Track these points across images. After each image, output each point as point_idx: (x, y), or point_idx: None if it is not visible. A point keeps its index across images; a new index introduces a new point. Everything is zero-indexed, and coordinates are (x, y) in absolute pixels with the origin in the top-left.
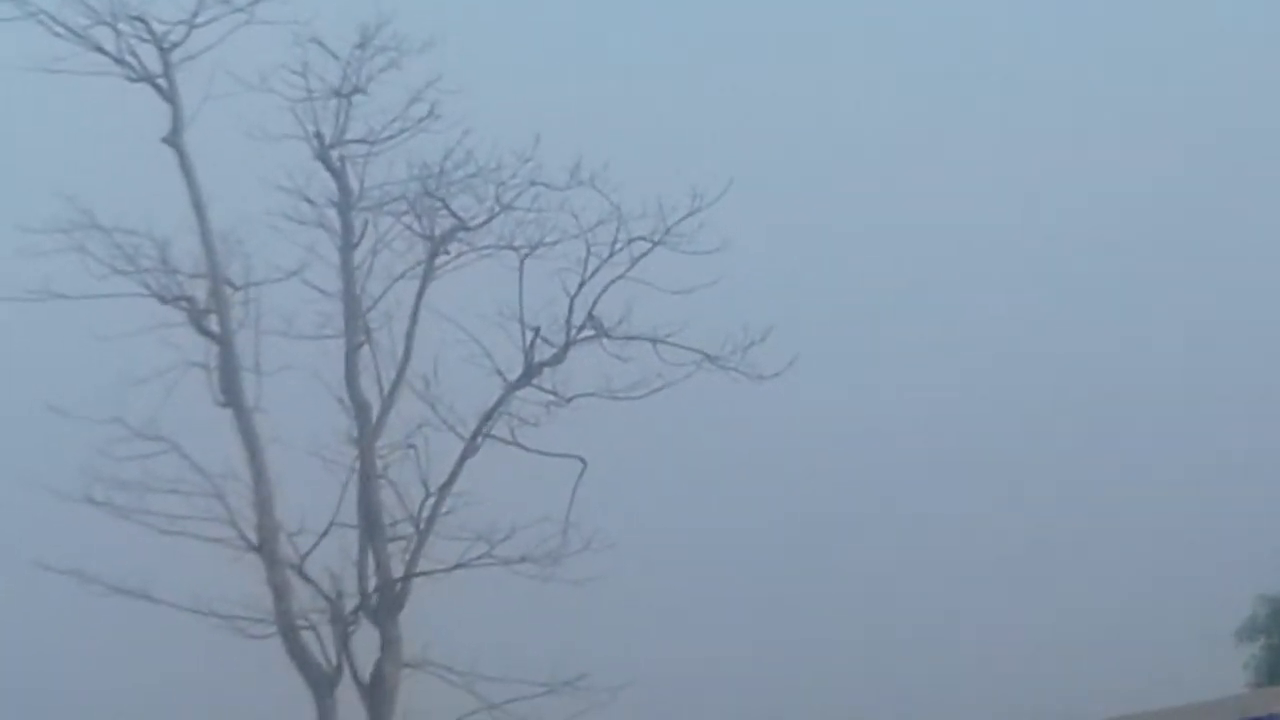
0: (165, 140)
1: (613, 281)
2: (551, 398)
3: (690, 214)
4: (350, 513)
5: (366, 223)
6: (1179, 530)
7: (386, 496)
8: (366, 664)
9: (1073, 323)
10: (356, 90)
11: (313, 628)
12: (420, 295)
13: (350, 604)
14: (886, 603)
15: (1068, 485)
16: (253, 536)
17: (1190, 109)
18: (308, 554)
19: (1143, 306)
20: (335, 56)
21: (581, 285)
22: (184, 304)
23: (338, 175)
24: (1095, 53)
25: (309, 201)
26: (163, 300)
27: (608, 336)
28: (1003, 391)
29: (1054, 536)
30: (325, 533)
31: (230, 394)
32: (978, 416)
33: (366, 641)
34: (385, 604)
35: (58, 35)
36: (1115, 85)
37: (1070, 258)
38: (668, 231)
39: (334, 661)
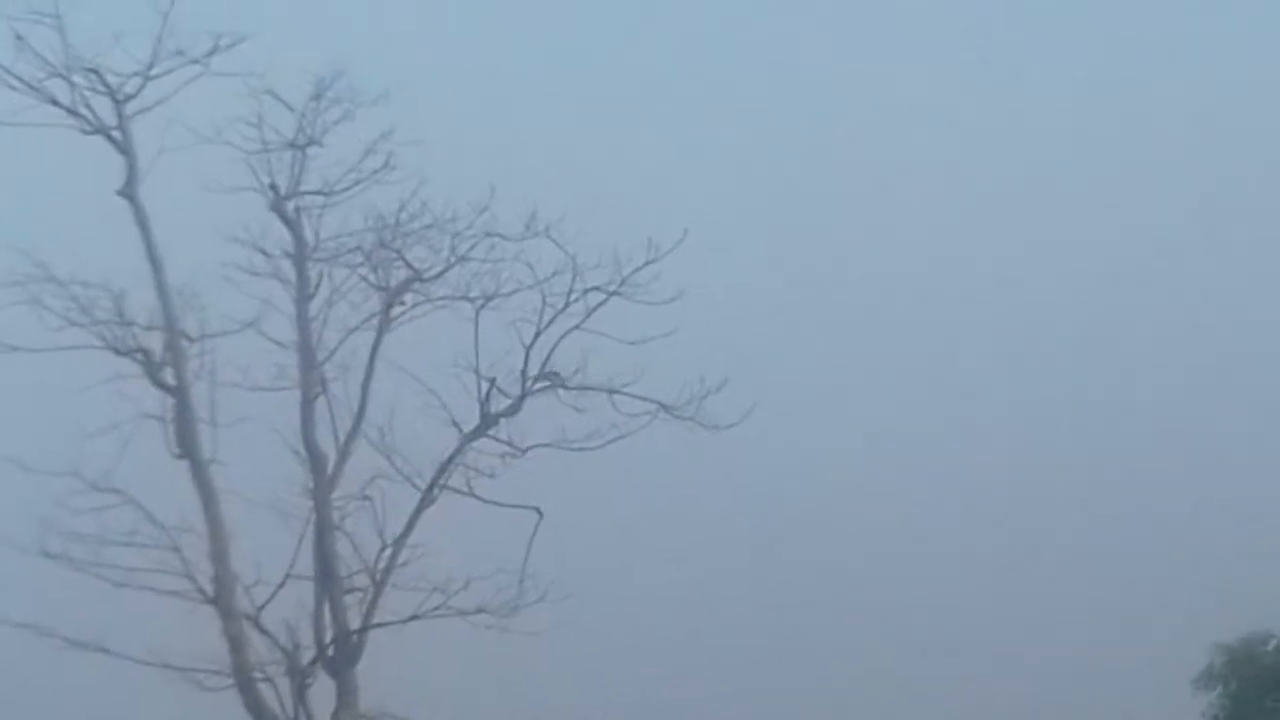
0: (120, 193)
1: (568, 332)
2: (507, 449)
3: (646, 264)
4: (306, 564)
5: (322, 274)
6: (1137, 578)
7: (343, 548)
8: (323, 716)
9: (1037, 366)
10: (311, 142)
11: (269, 679)
12: (376, 346)
13: (307, 655)
14: (843, 649)
15: (1026, 532)
16: (209, 588)
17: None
18: (264, 606)
19: (1099, 357)
20: (290, 109)
21: (537, 336)
22: (140, 356)
23: (293, 227)
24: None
25: (264, 253)
26: (118, 352)
27: (564, 387)
28: (961, 437)
29: (1013, 584)
30: (281, 584)
31: (186, 446)
32: (932, 463)
33: (323, 693)
34: (342, 655)
35: (12, 88)
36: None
37: (1038, 299)
38: (623, 282)
39: (291, 713)
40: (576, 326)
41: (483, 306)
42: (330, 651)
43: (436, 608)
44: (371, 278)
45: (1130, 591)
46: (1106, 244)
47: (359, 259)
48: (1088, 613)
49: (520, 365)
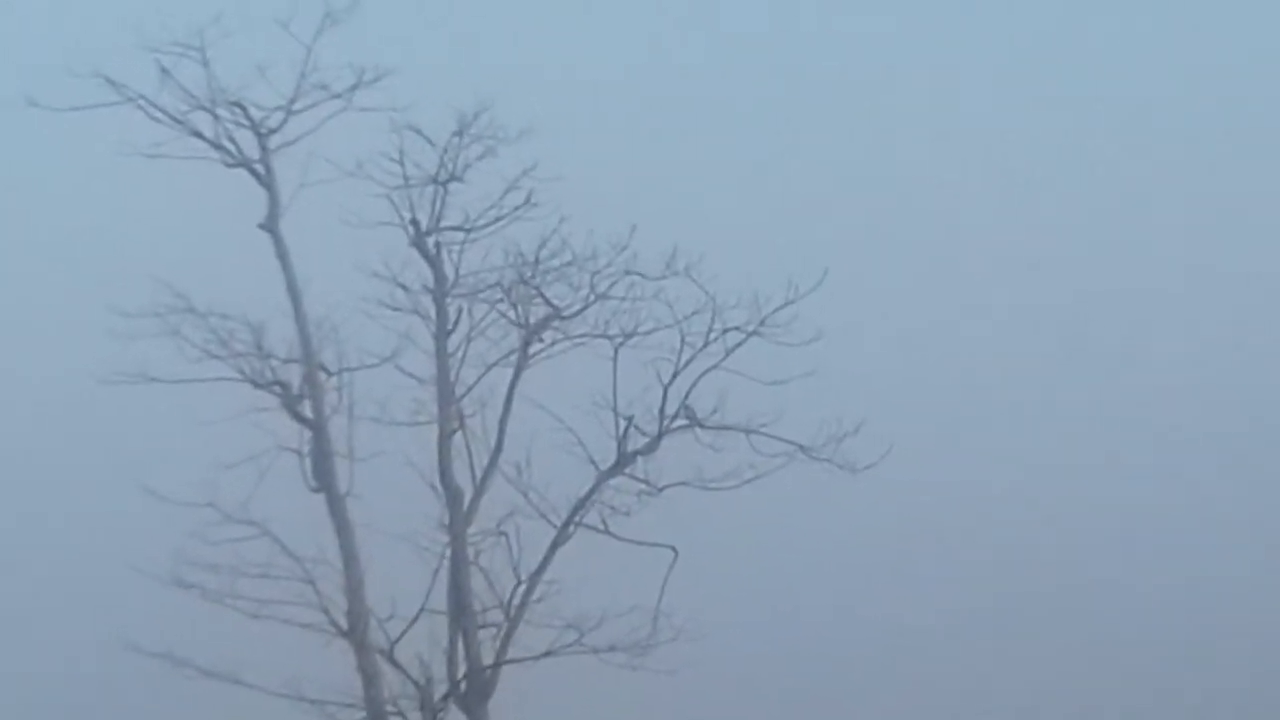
0: (261, 226)
1: (706, 371)
2: (644, 487)
3: (785, 305)
4: (441, 599)
5: (461, 310)
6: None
7: (477, 583)
8: None
9: (1202, 402)
10: (453, 178)
11: (402, 714)
12: (514, 383)
13: (439, 690)
14: (981, 692)
15: (1194, 579)
16: (343, 622)
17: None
18: (398, 640)
19: None
20: (432, 144)
21: (675, 375)
22: (278, 389)
23: (433, 262)
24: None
25: (404, 288)
26: (256, 385)
27: (701, 426)
28: (1111, 478)
29: (1178, 634)
30: (415, 619)
31: (322, 479)
32: (1074, 505)
33: None
34: (474, 691)
35: (156, 120)
36: None
37: (1199, 331)
38: (762, 322)
39: None
40: (715, 366)
41: (621, 345)
42: (463, 687)
43: (570, 644)
44: (511, 314)
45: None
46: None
47: (498, 295)
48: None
49: (658, 404)
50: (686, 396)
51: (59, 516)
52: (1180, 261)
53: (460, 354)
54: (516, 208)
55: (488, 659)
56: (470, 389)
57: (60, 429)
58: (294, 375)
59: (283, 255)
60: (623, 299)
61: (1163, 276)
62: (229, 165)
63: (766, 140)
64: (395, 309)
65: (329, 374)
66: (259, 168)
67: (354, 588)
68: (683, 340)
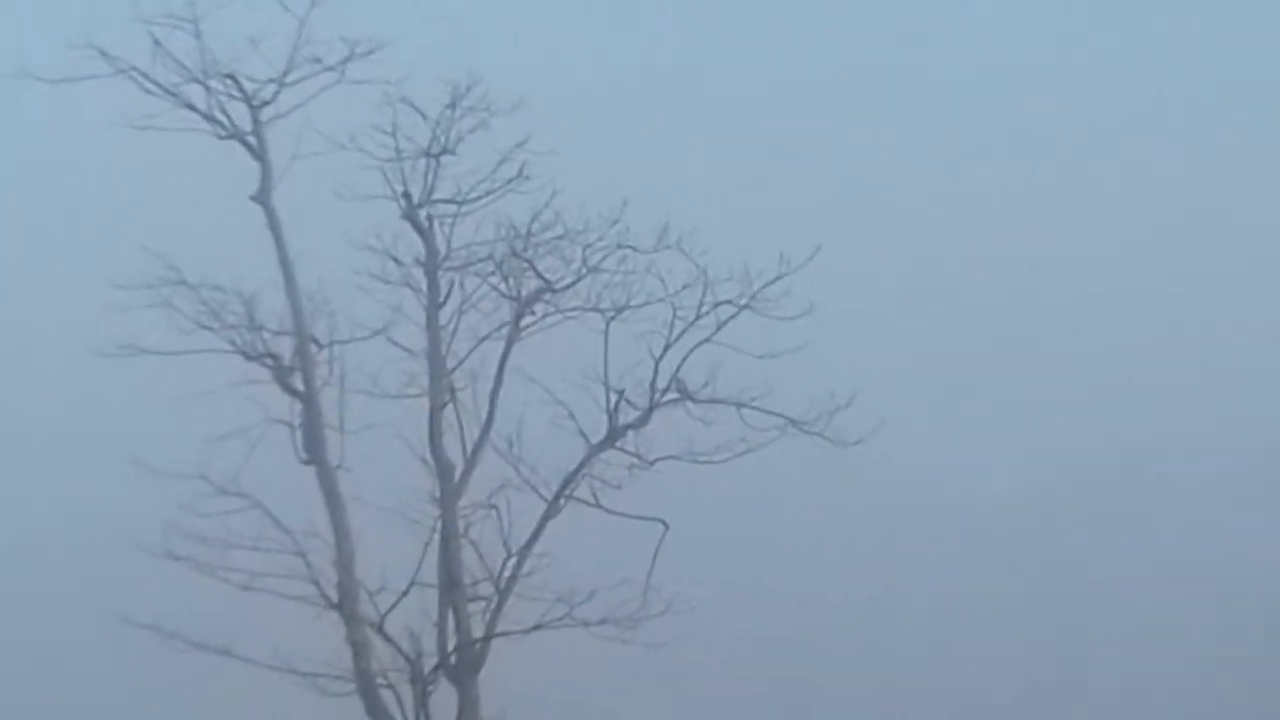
0: (253, 198)
1: (698, 345)
2: (634, 460)
3: (777, 278)
4: (431, 572)
5: (453, 283)
6: None
7: (468, 556)
8: None
9: (1191, 387)
10: (445, 151)
11: (392, 686)
12: (505, 356)
13: (430, 663)
14: (970, 667)
15: (1181, 564)
16: (333, 594)
17: None
18: (388, 613)
19: None
20: (424, 117)
21: (666, 348)
22: (269, 361)
23: (425, 235)
24: None
25: (396, 261)
26: (248, 357)
27: (692, 400)
28: (1102, 459)
29: (1167, 616)
30: (406, 592)
31: (313, 451)
32: (1066, 487)
33: (445, 701)
34: (464, 664)
35: (149, 92)
36: None
37: (1196, 316)
38: (754, 296)
39: None
40: (706, 340)
41: (613, 318)
42: (453, 659)
43: (560, 618)
44: (502, 287)
45: None
46: None
47: (490, 268)
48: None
49: (649, 377)
50: (678, 370)
51: (50, 488)
52: (1181, 233)
53: (452, 327)
54: (509, 181)
55: (478, 632)
56: (462, 362)
57: (51, 400)
58: (285, 347)
59: (275, 227)
60: (614, 272)
61: (1162, 252)
62: (221, 137)
63: (758, 114)
64: (387, 282)
65: (320, 346)
66: (251, 140)
67: (344, 561)
68: (674, 314)
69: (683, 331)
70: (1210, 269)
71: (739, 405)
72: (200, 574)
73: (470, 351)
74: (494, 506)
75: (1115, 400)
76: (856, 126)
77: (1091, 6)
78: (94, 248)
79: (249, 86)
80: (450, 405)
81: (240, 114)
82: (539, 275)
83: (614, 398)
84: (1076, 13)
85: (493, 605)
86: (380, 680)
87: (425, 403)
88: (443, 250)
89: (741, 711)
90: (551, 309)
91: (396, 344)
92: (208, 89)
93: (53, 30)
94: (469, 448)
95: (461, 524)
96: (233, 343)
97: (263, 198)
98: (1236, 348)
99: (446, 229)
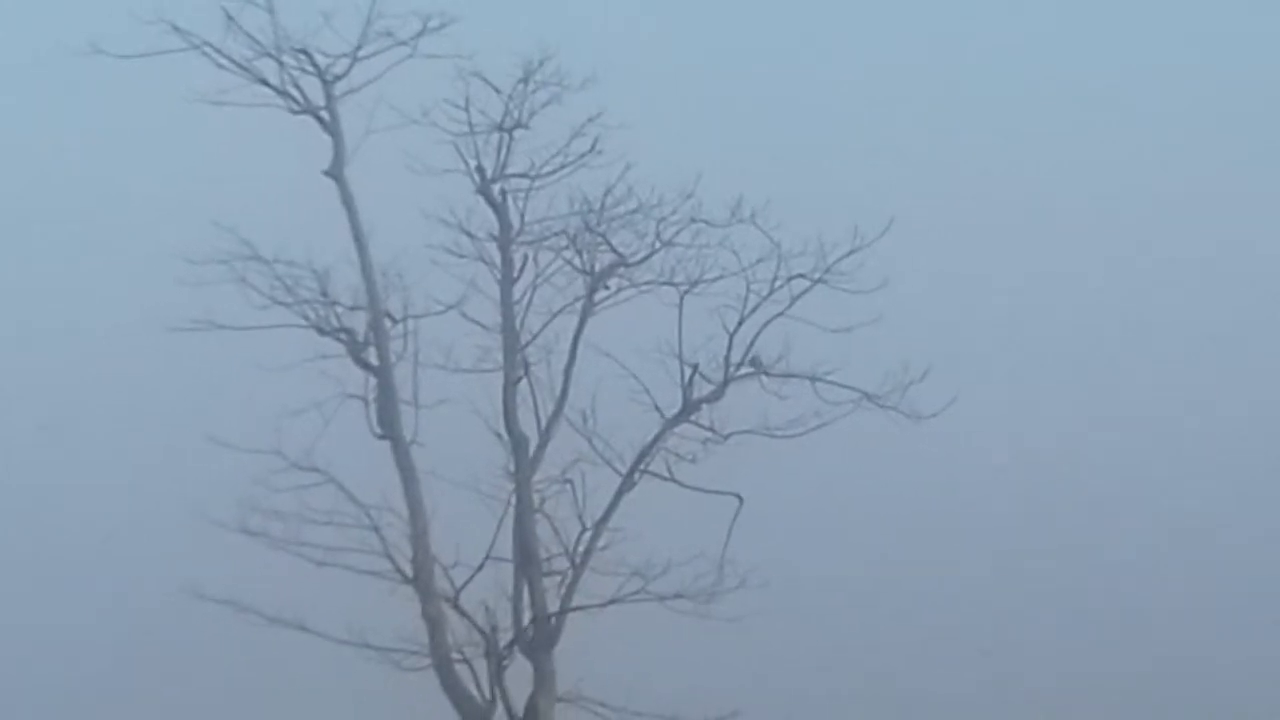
0: (327, 173)
1: (772, 319)
2: (709, 434)
3: (851, 252)
4: (506, 547)
5: (526, 257)
6: None
7: (542, 531)
8: (520, 698)
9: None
10: (518, 125)
11: (467, 661)
12: (579, 330)
13: (505, 638)
14: (1040, 644)
15: (1242, 543)
16: (408, 569)
17: None
18: (463, 587)
19: None
20: (498, 91)
21: (741, 322)
22: (343, 336)
23: (498, 210)
24: None
25: (469, 235)
26: (322, 332)
27: (766, 374)
28: (1171, 442)
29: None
30: (480, 566)
31: (388, 426)
32: (1141, 462)
33: (520, 676)
34: (539, 638)
35: (222, 68)
36: None
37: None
38: (828, 269)
39: (488, 695)
40: (780, 313)
41: (687, 292)
42: (528, 634)
43: (635, 592)
44: (576, 261)
45: None
46: None
47: (564, 243)
48: None
49: (723, 351)
50: (752, 344)
51: (126, 464)
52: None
53: (525, 301)
54: (582, 155)
55: (553, 607)
56: (535, 336)
57: (127, 376)
58: (359, 322)
59: (348, 202)
60: (688, 246)
61: (1230, 228)
62: (294, 112)
63: (833, 87)
64: (461, 256)
65: (394, 321)
66: (324, 114)
67: (419, 535)
68: (748, 288)
69: (756, 305)
70: None
71: (813, 379)
72: (275, 549)
73: (544, 326)
74: (569, 481)
75: (1201, 375)
76: (930, 99)
77: None
78: (168, 224)
79: (322, 61)
80: (524, 380)
81: (313, 89)
82: (612, 249)
83: (688, 372)
84: None
85: (567, 580)
86: (455, 655)
87: (499, 377)
88: (516, 225)
89: (817, 685)
90: (625, 283)
91: (470, 319)
92: (280, 64)
93: (126, 5)
94: (543, 422)
95: (536, 498)
96: (307, 318)
97: (336, 172)
98: None
99: (520, 203)
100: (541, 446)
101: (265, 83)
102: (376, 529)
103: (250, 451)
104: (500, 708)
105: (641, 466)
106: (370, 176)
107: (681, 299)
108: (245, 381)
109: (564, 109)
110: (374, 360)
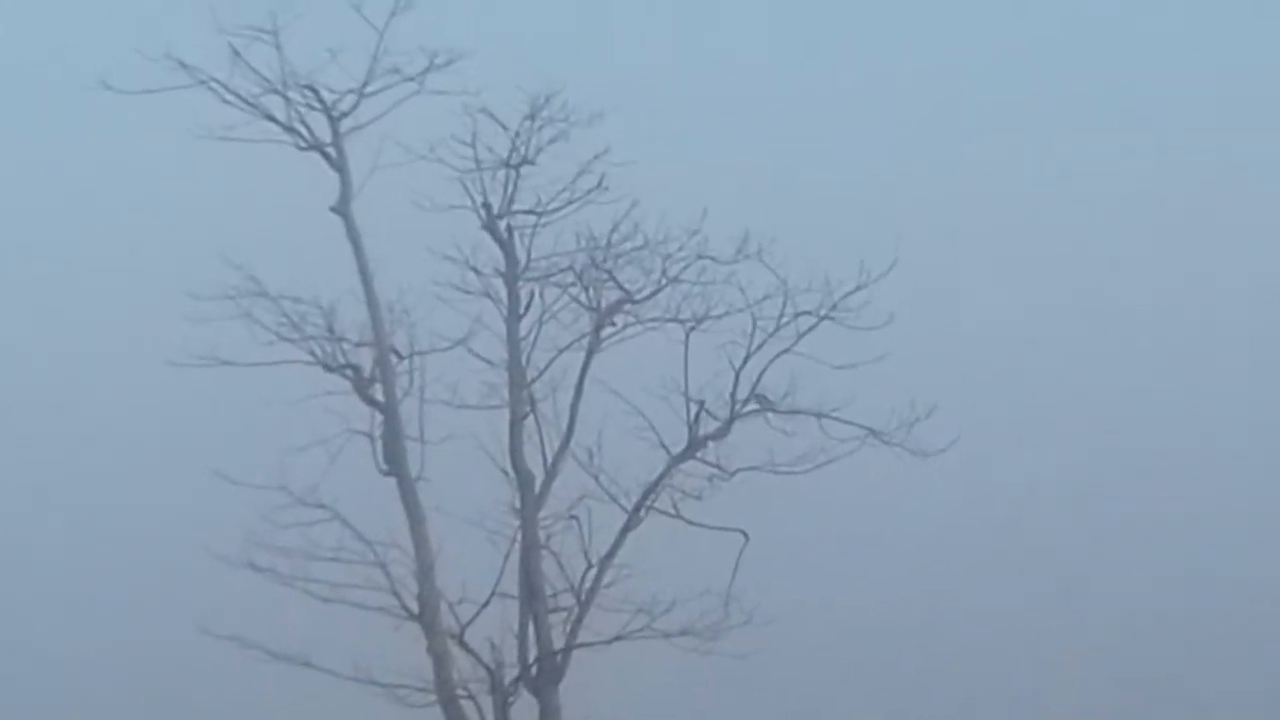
0: (333, 209)
1: (778, 355)
2: (715, 471)
3: (857, 289)
4: (512, 583)
5: (533, 294)
6: None
7: (548, 567)
8: None
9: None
10: (525, 161)
11: (472, 697)
12: (585, 367)
13: (510, 674)
14: (1053, 689)
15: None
16: (414, 605)
17: None
18: (468, 624)
19: None
20: (504, 127)
21: (747, 359)
22: (349, 372)
23: (505, 246)
24: None
25: (476, 271)
26: (328, 368)
27: (772, 410)
28: (1184, 469)
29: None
30: (486, 603)
31: (393, 463)
32: (1146, 497)
33: (526, 712)
34: (545, 675)
35: (229, 103)
36: None
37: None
38: (834, 306)
39: None
40: (787, 350)
41: (693, 329)
42: (534, 670)
43: (641, 629)
44: (582, 298)
45: None
46: None
47: (570, 279)
48: None
49: (729, 388)
50: (758, 381)
51: (132, 499)
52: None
53: (532, 338)
54: (588, 191)
55: (558, 643)
56: (542, 373)
57: (133, 411)
58: (365, 358)
59: (354, 238)
60: (694, 283)
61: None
62: (301, 148)
63: (839, 125)
64: (467, 292)
65: (400, 357)
66: (331, 151)
67: (425, 571)
68: (754, 324)
69: (763, 342)
70: None
71: (819, 416)
72: (281, 585)
73: (550, 362)
74: (574, 517)
75: (1204, 410)
76: (937, 139)
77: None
78: (174, 259)
79: (328, 97)
80: (530, 416)
81: (320, 125)
82: (619, 286)
83: (694, 408)
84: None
85: (573, 616)
86: (461, 691)
87: (505, 414)
88: (522, 261)
89: None
90: (631, 319)
91: (477, 355)
92: (287, 100)
93: (132, 41)
94: (549, 459)
95: (542, 535)
96: (313, 354)
97: (342, 208)
98: None
99: (526, 239)
100: (547, 483)
101: (272, 119)
102: (382, 565)
103: (256, 487)
104: None
105: (647, 503)
106: (377, 212)
107: (687, 335)
108: (251, 417)
109: (570, 145)
110: (380, 396)
